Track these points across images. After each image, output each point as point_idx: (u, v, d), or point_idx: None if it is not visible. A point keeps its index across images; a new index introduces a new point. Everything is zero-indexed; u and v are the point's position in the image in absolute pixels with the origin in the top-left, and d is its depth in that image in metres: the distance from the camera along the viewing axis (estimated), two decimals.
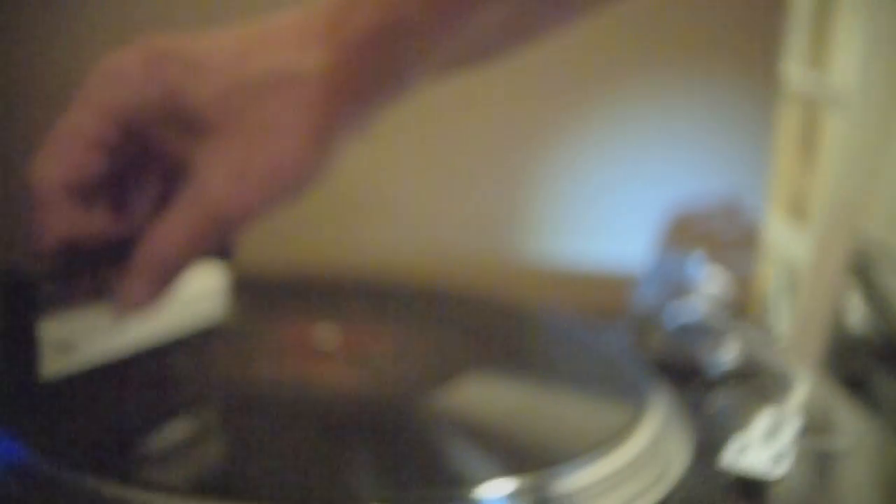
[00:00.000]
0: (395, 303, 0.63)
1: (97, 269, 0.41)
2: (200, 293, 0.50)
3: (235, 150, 0.38)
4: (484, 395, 0.49)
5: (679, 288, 0.57)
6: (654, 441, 0.43)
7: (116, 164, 0.40)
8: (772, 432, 0.45)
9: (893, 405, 0.70)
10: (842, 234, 0.81)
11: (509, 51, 0.44)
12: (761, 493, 0.41)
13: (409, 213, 0.71)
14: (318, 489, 0.37)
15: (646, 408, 0.46)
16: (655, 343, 0.56)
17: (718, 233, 0.70)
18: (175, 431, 0.42)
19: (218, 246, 0.40)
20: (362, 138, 0.41)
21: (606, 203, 0.70)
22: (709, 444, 0.45)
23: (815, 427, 0.48)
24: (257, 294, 0.59)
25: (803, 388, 0.52)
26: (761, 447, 0.43)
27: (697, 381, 0.54)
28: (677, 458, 0.43)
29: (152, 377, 0.47)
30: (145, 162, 0.42)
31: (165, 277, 0.40)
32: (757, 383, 0.54)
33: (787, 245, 0.86)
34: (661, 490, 0.41)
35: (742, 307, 0.69)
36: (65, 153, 0.40)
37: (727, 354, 0.55)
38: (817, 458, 0.45)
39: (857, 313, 0.82)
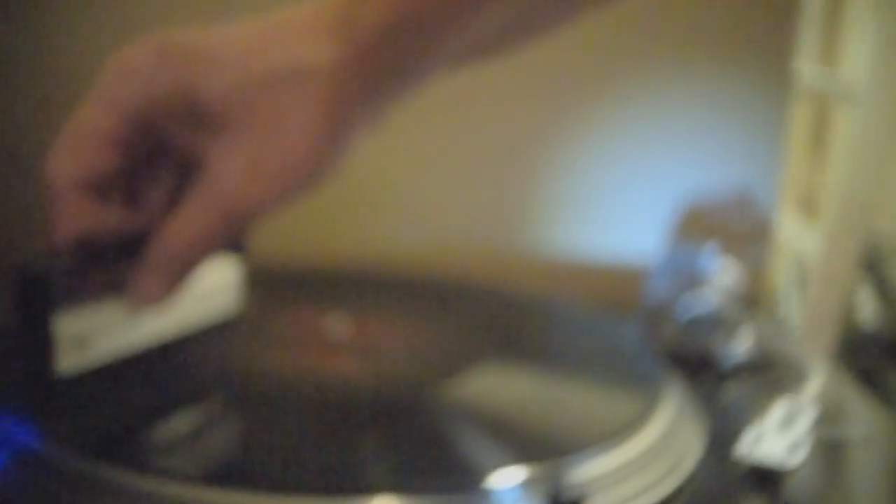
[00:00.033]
0: (407, 295, 0.63)
1: (111, 265, 0.41)
2: (214, 287, 0.51)
3: (248, 145, 0.38)
4: (497, 386, 0.49)
5: (692, 280, 0.57)
6: (667, 431, 0.43)
7: (130, 159, 0.41)
8: (787, 422, 0.45)
9: None
10: (852, 230, 0.81)
11: (521, 44, 0.44)
12: (776, 484, 0.41)
13: (422, 205, 0.71)
14: (330, 479, 0.37)
15: (659, 398, 0.46)
16: (668, 335, 0.56)
17: (731, 225, 0.70)
18: (188, 421, 0.42)
19: (231, 240, 0.40)
20: (375, 132, 0.41)
21: (619, 195, 0.70)
22: (722, 435, 0.45)
23: (829, 417, 0.48)
24: (269, 286, 0.59)
25: (818, 379, 0.52)
26: (777, 437, 0.43)
27: (710, 373, 0.54)
28: (691, 449, 0.43)
29: (165, 368, 0.47)
30: (158, 157, 0.42)
31: (179, 273, 0.40)
32: (770, 375, 0.54)
33: (798, 240, 0.86)
34: (675, 480, 0.41)
35: (754, 300, 0.69)
36: (79, 149, 0.40)
37: (740, 346, 0.55)
38: (831, 449, 0.45)
39: (867, 308, 0.82)
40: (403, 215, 0.71)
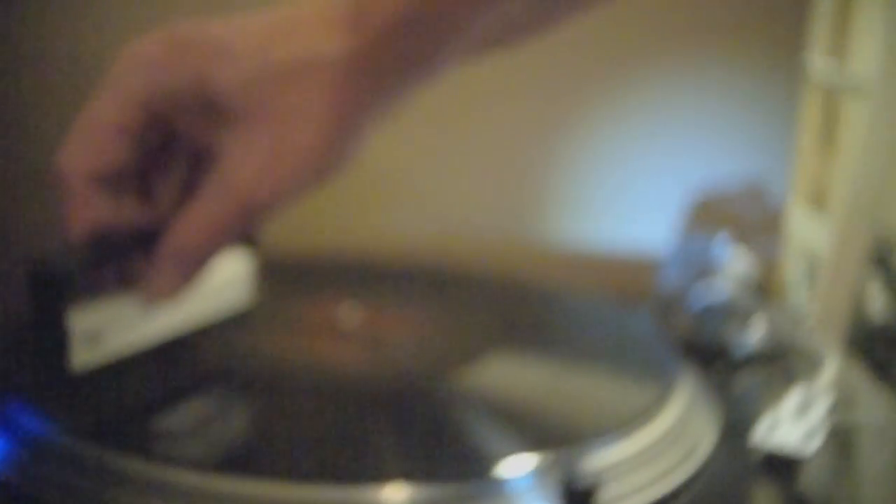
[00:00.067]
0: (420, 285, 0.63)
1: (125, 259, 0.42)
2: (227, 280, 0.51)
3: (262, 137, 0.38)
4: (510, 375, 0.49)
5: (704, 269, 0.57)
6: (680, 420, 0.43)
7: (143, 151, 0.40)
8: (802, 410, 0.45)
9: None
10: (862, 223, 0.81)
11: (534, 36, 0.44)
12: (791, 471, 0.41)
13: (435, 196, 0.71)
14: (342, 467, 0.37)
15: (673, 387, 0.46)
16: (681, 324, 0.55)
17: (742, 217, 0.70)
18: (201, 411, 0.42)
19: (244, 232, 0.40)
20: (388, 124, 0.41)
21: (632, 186, 0.70)
22: (735, 423, 0.45)
23: (842, 405, 0.48)
24: (282, 277, 0.59)
25: (833, 366, 0.51)
26: (792, 425, 0.43)
27: (723, 362, 0.54)
28: (705, 437, 0.43)
29: (178, 360, 0.47)
30: (172, 149, 0.42)
31: (193, 266, 0.40)
32: (784, 363, 0.54)
33: (808, 234, 0.86)
34: (689, 468, 0.41)
35: (766, 291, 0.69)
36: (92, 142, 0.40)
37: (753, 335, 0.55)
38: (844, 436, 0.45)
39: (877, 302, 0.82)
40: (416, 207, 0.71)
